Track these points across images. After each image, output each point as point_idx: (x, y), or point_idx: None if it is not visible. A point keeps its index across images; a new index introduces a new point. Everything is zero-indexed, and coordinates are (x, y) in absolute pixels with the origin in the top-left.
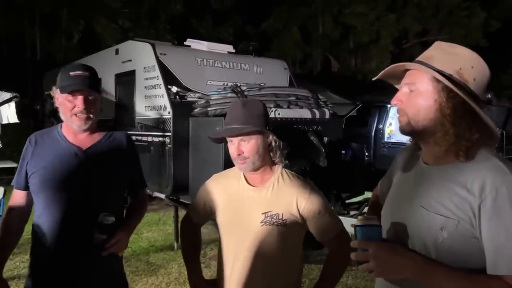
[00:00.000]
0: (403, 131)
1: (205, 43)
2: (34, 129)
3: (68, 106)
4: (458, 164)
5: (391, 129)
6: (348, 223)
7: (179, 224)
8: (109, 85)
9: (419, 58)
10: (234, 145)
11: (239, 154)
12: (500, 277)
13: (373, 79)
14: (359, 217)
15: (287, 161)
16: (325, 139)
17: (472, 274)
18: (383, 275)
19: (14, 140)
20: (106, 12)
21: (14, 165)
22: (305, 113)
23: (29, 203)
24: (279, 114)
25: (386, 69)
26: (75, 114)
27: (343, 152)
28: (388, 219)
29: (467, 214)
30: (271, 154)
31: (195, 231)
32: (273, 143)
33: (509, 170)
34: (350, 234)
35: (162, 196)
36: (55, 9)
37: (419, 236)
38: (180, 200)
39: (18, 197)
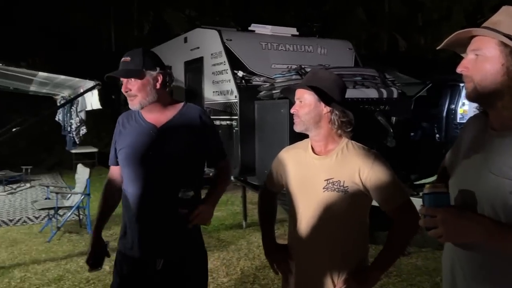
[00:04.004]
0: (470, 97)
1: (269, 27)
2: (112, 117)
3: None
4: None
5: (464, 109)
6: (417, 204)
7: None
8: (179, 73)
9: (485, 24)
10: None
11: (294, 113)
12: None
13: (438, 48)
14: (427, 185)
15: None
16: (393, 119)
17: None
18: (451, 239)
19: (95, 127)
20: (173, 2)
21: (95, 150)
22: (372, 93)
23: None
24: None
25: (451, 36)
26: (127, 97)
27: (412, 132)
28: (457, 186)
29: None
30: (330, 125)
31: (271, 199)
32: (332, 116)
33: None
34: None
35: (231, 177)
36: (127, 2)
37: (488, 201)
38: (248, 181)
39: (113, 171)
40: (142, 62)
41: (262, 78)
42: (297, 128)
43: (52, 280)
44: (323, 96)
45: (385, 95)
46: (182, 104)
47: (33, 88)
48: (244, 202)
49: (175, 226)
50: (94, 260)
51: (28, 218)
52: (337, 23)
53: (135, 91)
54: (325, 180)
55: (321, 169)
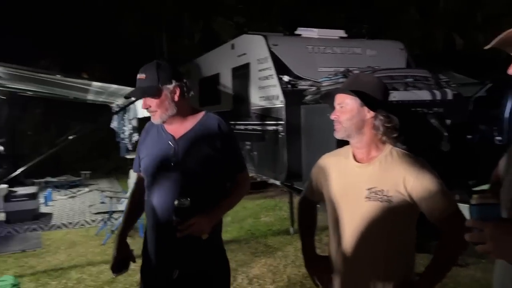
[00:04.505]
0: None
1: (316, 30)
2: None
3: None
4: None
5: None
6: None
7: (297, 204)
8: (227, 79)
9: None
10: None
11: (335, 119)
12: None
13: (485, 47)
14: (474, 196)
15: (404, 146)
16: (448, 121)
17: None
18: (502, 257)
19: None
20: (222, 10)
21: None
22: (424, 95)
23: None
24: (394, 97)
25: (502, 35)
26: (148, 112)
27: (470, 135)
28: (509, 197)
29: None
30: (374, 131)
31: (311, 209)
32: (376, 121)
33: None
34: None
35: (277, 182)
36: (179, 12)
37: None
38: (294, 186)
39: (139, 178)
40: (157, 77)
41: (308, 82)
42: (338, 135)
43: (105, 282)
44: (367, 100)
45: (438, 96)
46: (202, 114)
47: (90, 97)
48: (291, 208)
49: (191, 237)
50: (118, 265)
51: (86, 221)
52: (389, 23)
53: (154, 107)
54: (367, 189)
55: (363, 177)
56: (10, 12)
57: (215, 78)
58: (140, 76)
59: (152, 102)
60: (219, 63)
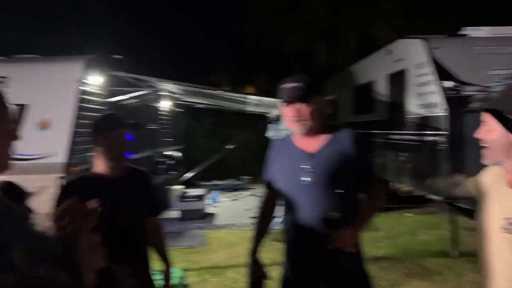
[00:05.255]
0: None
1: (485, 28)
2: None
3: (287, 115)
4: None
5: None
6: None
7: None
8: (382, 86)
9: None
10: None
11: (480, 138)
12: None
13: None
14: None
15: None
16: None
17: None
18: None
19: None
20: (380, 14)
21: None
22: None
23: (276, 196)
24: None
25: None
26: (293, 121)
27: None
28: None
29: None
30: None
31: None
32: None
33: None
34: None
35: (438, 198)
36: (335, 20)
37: None
38: (456, 204)
39: (268, 193)
40: (311, 87)
41: (475, 88)
42: (486, 161)
43: None
44: (507, 123)
45: None
46: (334, 128)
47: (250, 108)
48: (452, 227)
49: (336, 250)
50: (255, 284)
51: (244, 224)
52: None
53: (305, 116)
54: (504, 219)
55: (503, 204)
56: (189, 38)
57: (370, 85)
58: (293, 84)
59: (306, 110)
60: (374, 70)
